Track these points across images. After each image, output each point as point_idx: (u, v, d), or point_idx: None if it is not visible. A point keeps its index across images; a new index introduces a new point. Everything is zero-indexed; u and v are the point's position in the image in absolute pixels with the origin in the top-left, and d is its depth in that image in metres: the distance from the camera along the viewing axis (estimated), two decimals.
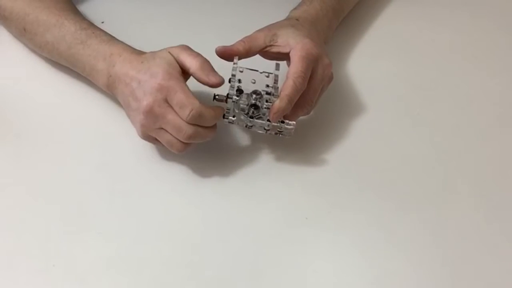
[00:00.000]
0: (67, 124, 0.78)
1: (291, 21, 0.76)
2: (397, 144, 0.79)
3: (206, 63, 0.69)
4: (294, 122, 0.71)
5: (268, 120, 0.70)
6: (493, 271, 0.69)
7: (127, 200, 0.72)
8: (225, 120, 0.71)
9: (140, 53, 0.72)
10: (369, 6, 0.92)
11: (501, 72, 0.88)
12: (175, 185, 0.74)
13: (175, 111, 0.67)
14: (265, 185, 0.74)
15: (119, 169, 0.75)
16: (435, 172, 0.77)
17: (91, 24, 0.77)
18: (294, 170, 0.75)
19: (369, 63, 0.86)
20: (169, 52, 0.69)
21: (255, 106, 0.71)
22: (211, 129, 0.70)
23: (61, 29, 0.76)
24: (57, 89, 0.81)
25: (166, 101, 0.67)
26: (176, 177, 0.74)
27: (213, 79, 0.68)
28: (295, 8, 0.79)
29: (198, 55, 0.69)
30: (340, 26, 0.84)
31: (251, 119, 0.71)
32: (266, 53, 0.73)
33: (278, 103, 0.68)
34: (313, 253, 0.70)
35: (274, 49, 0.72)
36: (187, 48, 0.70)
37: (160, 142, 0.71)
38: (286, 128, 0.71)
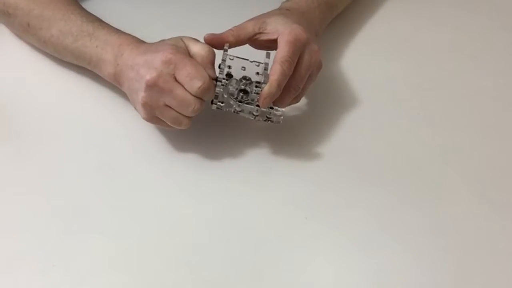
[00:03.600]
0: (67, 124, 0.78)
1: (281, 11, 0.76)
2: (397, 144, 0.79)
3: (210, 53, 0.69)
4: (283, 109, 0.71)
5: (257, 106, 0.70)
6: (493, 270, 0.69)
7: (127, 200, 0.72)
8: (214, 106, 0.70)
9: (149, 43, 0.72)
10: (368, 5, 0.92)
11: (501, 72, 0.88)
12: (175, 185, 0.74)
13: (181, 86, 0.67)
14: (265, 185, 0.74)
15: (119, 169, 0.75)
16: (435, 171, 0.77)
17: (98, 18, 0.77)
18: (294, 170, 0.75)
19: (368, 62, 0.86)
20: (181, 39, 0.70)
21: (244, 91, 0.70)
22: None
23: (67, 23, 0.76)
24: (57, 89, 0.81)
25: (173, 76, 0.67)
26: (176, 177, 0.74)
27: (210, 73, 0.69)
28: (286, 0, 0.79)
29: (205, 44, 0.70)
30: (338, 25, 0.84)
31: (240, 104, 0.70)
32: (256, 42, 0.73)
33: (267, 88, 0.68)
34: (313, 253, 0.69)
35: (263, 37, 0.72)
36: (194, 39, 0.71)
37: (163, 122, 0.71)
38: (275, 115, 0.71)
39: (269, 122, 0.72)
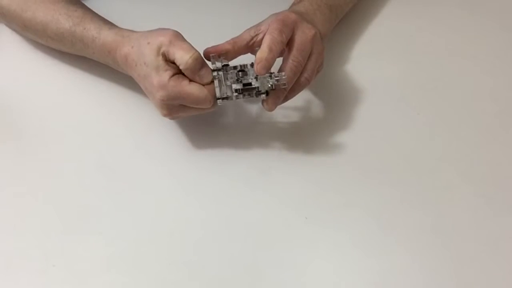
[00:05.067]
0: (67, 124, 0.78)
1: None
2: (397, 144, 0.79)
3: (196, 60, 0.68)
4: (285, 73, 0.69)
5: (256, 78, 0.69)
6: (493, 270, 0.69)
7: (127, 200, 0.72)
8: (219, 101, 0.69)
9: (130, 46, 0.71)
10: (368, 5, 0.92)
11: (501, 72, 0.88)
12: (175, 185, 0.74)
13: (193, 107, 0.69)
14: (265, 185, 0.74)
15: (119, 170, 0.75)
16: (435, 171, 0.77)
17: (82, 15, 0.76)
18: (294, 170, 0.75)
19: (368, 62, 0.86)
20: (157, 50, 0.68)
21: (242, 71, 0.70)
22: None
23: (58, 27, 0.76)
24: (57, 89, 0.81)
25: (179, 104, 0.69)
26: (176, 177, 0.74)
27: (203, 79, 0.68)
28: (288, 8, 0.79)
29: (188, 49, 0.68)
30: (339, 24, 0.84)
31: (240, 82, 0.69)
32: (254, 46, 0.72)
33: (259, 53, 0.68)
34: (313, 253, 0.70)
35: (260, 37, 0.71)
36: (175, 39, 0.68)
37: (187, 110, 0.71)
38: (278, 78, 0.69)
39: (273, 87, 0.70)
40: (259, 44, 0.71)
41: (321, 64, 0.73)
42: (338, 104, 0.81)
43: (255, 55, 0.70)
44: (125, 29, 0.74)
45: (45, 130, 0.77)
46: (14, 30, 0.84)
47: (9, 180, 0.73)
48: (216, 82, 0.69)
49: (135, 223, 0.71)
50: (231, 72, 0.70)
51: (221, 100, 0.69)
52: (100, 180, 0.74)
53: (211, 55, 0.70)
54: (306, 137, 0.78)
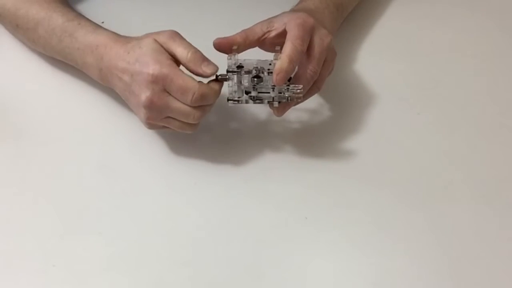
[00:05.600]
0: (67, 124, 0.78)
1: (288, 11, 0.75)
2: (397, 144, 0.79)
3: (197, 54, 0.67)
4: (301, 86, 0.68)
5: (273, 87, 0.68)
6: (493, 270, 0.69)
7: (127, 200, 0.72)
8: (230, 102, 0.69)
9: (125, 41, 0.70)
10: (370, 5, 0.92)
11: (502, 72, 0.88)
12: (175, 185, 0.74)
13: (177, 99, 0.67)
14: (264, 185, 0.74)
15: (119, 169, 0.75)
16: (435, 171, 0.77)
17: (78, 15, 0.76)
18: (293, 170, 0.75)
19: (368, 62, 0.86)
20: (154, 39, 0.68)
21: (257, 77, 0.69)
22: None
23: (50, 23, 0.75)
24: (57, 89, 0.81)
25: (165, 90, 0.66)
26: (176, 177, 0.74)
27: (206, 70, 0.67)
28: (295, 5, 0.79)
29: (188, 45, 0.68)
30: (341, 26, 0.84)
31: (255, 88, 0.69)
32: (265, 42, 0.72)
33: (278, 63, 0.67)
34: (313, 253, 0.70)
35: (272, 34, 0.71)
36: (175, 36, 0.68)
37: (169, 128, 0.70)
38: (294, 91, 0.68)
39: (289, 100, 0.69)
40: (271, 41, 0.71)
41: (331, 69, 0.74)
42: (338, 104, 0.81)
43: (264, 49, 0.71)
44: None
45: (45, 130, 0.77)
46: (8, 30, 0.84)
47: (9, 180, 0.73)
48: (229, 82, 0.69)
49: (135, 223, 0.71)
50: (246, 77, 0.69)
51: (232, 102, 0.69)
52: (100, 180, 0.74)
53: (229, 56, 0.69)
54: (306, 137, 0.78)
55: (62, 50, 0.75)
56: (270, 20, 0.72)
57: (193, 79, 0.67)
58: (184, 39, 0.68)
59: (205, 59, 0.68)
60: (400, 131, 0.80)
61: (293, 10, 0.76)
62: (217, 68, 0.68)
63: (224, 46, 0.69)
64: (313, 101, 0.80)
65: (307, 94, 0.72)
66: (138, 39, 0.69)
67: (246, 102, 0.70)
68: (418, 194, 0.75)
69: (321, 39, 0.70)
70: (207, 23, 0.88)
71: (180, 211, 0.72)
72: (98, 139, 0.77)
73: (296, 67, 0.69)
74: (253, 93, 0.69)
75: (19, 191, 0.73)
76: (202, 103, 0.67)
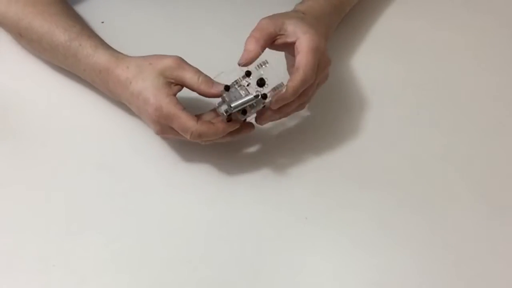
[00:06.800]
0: (67, 124, 0.78)
1: (298, 14, 0.75)
2: (397, 144, 0.79)
3: (206, 77, 0.69)
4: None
5: (263, 105, 0.68)
6: (493, 270, 0.69)
7: (127, 200, 0.72)
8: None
9: (125, 64, 0.71)
10: (369, 5, 0.92)
11: (502, 71, 0.88)
12: (175, 185, 0.74)
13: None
14: (265, 185, 0.74)
15: (119, 169, 0.75)
16: (435, 171, 0.77)
17: (79, 32, 0.76)
18: (293, 170, 0.75)
19: (368, 62, 0.86)
20: (159, 72, 0.69)
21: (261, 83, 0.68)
22: (227, 135, 0.70)
23: (54, 39, 0.75)
24: (57, 89, 0.81)
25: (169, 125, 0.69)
26: (176, 176, 0.74)
27: (217, 90, 0.68)
28: (300, 3, 0.78)
29: (196, 70, 0.69)
30: (339, 25, 0.84)
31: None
32: (276, 45, 0.71)
33: (284, 93, 0.67)
34: (313, 253, 0.69)
35: (281, 39, 0.70)
36: (181, 62, 0.69)
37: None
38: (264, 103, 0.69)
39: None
40: (280, 46, 0.71)
41: (325, 77, 0.74)
42: (338, 104, 0.81)
43: (275, 49, 0.71)
44: (121, 53, 0.73)
45: (45, 130, 0.77)
46: (11, 36, 0.83)
47: (9, 180, 0.73)
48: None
49: (135, 223, 0.71)
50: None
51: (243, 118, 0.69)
52: (100, 180, 0.74)
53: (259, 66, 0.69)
54: (306, 137, 0.78)
55: (68, 67, 0.77)
56: (280, 20, 0.71)
57: (193, 118, 0.67)
58: (190, 65, 0.69)
59: (212, 81, 0.69)
60: (400, 131, 0.80)
61: (301, 14, 0.74)
62: (223, 86, 0.69)
63: (251, 61, 0.68)
64: (313, 101, 0.80)
65: (291, 111, 0.71)
66: (139, 66, 0.70)
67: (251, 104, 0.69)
68: (418, 194, 0.75)
69: (323, 66, 0.71)
70: (207, 23, 0.87)
71: (180, 211, 0.72)
72: (98, 139, 0.77)
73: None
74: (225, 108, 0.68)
75: (19, 191, 0.72)
76: (201, 140, 0.69)
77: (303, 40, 0.69)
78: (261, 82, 0.67)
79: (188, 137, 0.68)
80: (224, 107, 0.68)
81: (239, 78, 0.68)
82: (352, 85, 0.84)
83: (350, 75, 0.85)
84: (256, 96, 0.67)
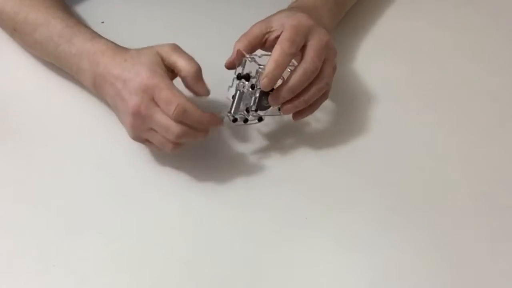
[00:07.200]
0: (67, 124, 0.78)
1: (288, 9, 0.75)
2: (397, 144, 0.79)
3: (198, 70, 0.68)
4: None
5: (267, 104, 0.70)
6: (493, 270, 0.69)
7: (127, 200, 0.72)
8: (233, 120, 0.71)
9: (124, 50, 0.71)
10: (370, 5, 0.92)
11: (502, 72, 0.88)
12: (175, 184, 0.74)
13: (162, 110, 0.67)
14: (265, 185, 0.74)
15: (119, 169, 0.75)
16: (435, 172, 0.77)
17: (78, 22, 0.76)
18: (294, 170, 0.75)
19: (368, 62, 0.86)
20: (157, 51, 0.69)
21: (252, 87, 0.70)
22: (201, 130, 0.69)
23: (49, 28, 0.75)
24: (57, 89, 0.81)
25: (153, 100, 0.67)
26: (176, 176, 0.74)
27: (201, 89, 0.69)
28: (293, 1, 0.79)
29: (191, 58, 0.69)
30: (339, 24, 0.84)
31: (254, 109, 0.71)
32: (265, 43, 0.72)
33: (266, 68, 0.67)
34: (313, 253, 0.69)
35: (272, 35, 0.71)
36: (177, 48, 0.69)
37: (151, 144, 0.70)
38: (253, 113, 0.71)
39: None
40: (272, 43, 0.70)
41: (334, 67, 0.73)
42: (338, 104, 0.81)
43: (266, 51, 0.71)
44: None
45: (44, 130, 0.77)
46: (6, 33, 0.83)
47: (9, 180, 0.73)
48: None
49: (135, 223, 0.71)
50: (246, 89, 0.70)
51: (231, 118, 0.71)
52: (100, 180, 0.74)
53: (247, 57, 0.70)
54: (306, 137, 0.78)
55: (58, 55, 0.75)
56: (268, 20, 0.72)
57: (182, 94, 0.67)
58: (187, 54, 0.69)
59: (202, 79, 0.69)
60: (400, 131, 0.80)
61: (291, 8, 0.75)
62: (208, 92, 0.69)
63: (235, 63, 0.70)
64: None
65: (320, 95, 0.71)
66: (139, 49, 0.70)
67: (251, 111, 0.71)
68: (418, 194, 0.75)
69: (319, 38, 0.70)
70: (208, 22, 0.88)
71: (180, 211, 0.72)
72: (98, 139, 0.77)
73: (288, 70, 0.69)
74: (253, 107, 0.71)
75: (19, 191, 0.72)
76: (184, 120, 0.67)
77: (285, 22, 0.69)
78: (247, 76, 0.69)
79: (172, 109, 0.65)
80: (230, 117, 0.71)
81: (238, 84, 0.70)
82: (352, 85, 0.84)
83: (350, 76, 0.85)
84: (242, 93, 0.70)
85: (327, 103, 0.80)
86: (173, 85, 0.67)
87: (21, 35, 0.78)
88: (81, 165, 0.75)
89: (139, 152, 0.76)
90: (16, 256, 0.68)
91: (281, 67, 0.67)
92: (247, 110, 0.71)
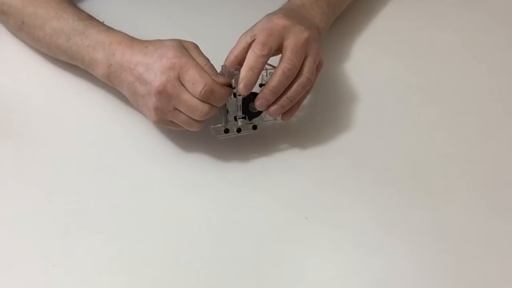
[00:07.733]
0: (67, 124, 0.78)
1: (271, 12, 0.75)
2: (397, 144, 0.79)
3: (213, 67, 0.69)
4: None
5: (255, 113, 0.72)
6: (493, 270, 0.69)
7: (127, 200, 0.72)
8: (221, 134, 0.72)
9: (141, 40, 0.72)
10: (368, 4, 0.92)
11: (502, 72, 0.88)
12: (175, 185, 0.74)
13: (188, 90, 0.67)
14: (265, 184, 0.74)
15: (120, 169, 0.75)
16: (435, 171, 0.77)
17: (90, 16, 0.77)
18: (293, 170, 0.75)
19: (368, 62, 0.86)
20: (180, 41, 0.70)
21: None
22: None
23: (60, 21, 0.76)
24: (58, 88, 0.81)
25: (179, 79, 0.67)
26: (176, 177, 0.74)
27: (221, 80, 0.69)
28: (285, 3, 0.79)
29: (207, 59, 0.70)
30: (339, 24, 0.84)
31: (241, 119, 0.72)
32: None
33: (240, 74, 0.68)
34: (313, 253, 0.70)
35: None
36: (198, 48, 0.71)
37: (174, 124, 0.71)
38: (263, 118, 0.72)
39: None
40: None
41: (320, 63, 0.73)
42: (338, 104, 0.82)
43: None
44: None
45: (45, 130, 0.77)
46: (10, 31, 0.83)
47: (9, 179, 0.73)
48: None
49: (135, 223, 0.71)
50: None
51: (222, 129, 0.72)
52: (101, 180, 0.74)
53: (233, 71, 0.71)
54: (306, 137, 0.78)
55: (68, 48, 0.76)
56: (252, 28, 0.72)
57: (208, 74, 0.68)
58: (205, 56, 0.70)
59: (218, 74, 0.70)
60: (400, 131, 0.80)
61: (277, 10, 0.75)
62: (229, 82, 0.70)
63: (229, 80, 0.71)
64: (313, 101, 0.80)
65: (299, 89, 0.71)
66: (160, 40, 0.71)
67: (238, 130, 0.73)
68: (418, 194, 0.75)
69: (296, 36, 0.70)
70: (208, 22, 0.88)
71: (180, 211, 0.72)
72: (98, 138, 0.77)
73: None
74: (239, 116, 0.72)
75: (19, 191, 0.72)
76: (210, 100, 0.68)
77: (262, 26, 0.70)
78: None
79: (199, 90, 0.66)
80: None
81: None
82: (352, 85, 0.84)
83: (349, 75, 0.85)
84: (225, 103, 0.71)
85: (327, 103, 0.80)
86: (199, 65, 0.68)
87: (29, 27, 0.78)
88: (82, 165, 0.75)
89: (139, 152, 0.76)
90: (16, 256, 0.68)
91: (254, 70, 0.68)
92: (235, 119, 0.72)
